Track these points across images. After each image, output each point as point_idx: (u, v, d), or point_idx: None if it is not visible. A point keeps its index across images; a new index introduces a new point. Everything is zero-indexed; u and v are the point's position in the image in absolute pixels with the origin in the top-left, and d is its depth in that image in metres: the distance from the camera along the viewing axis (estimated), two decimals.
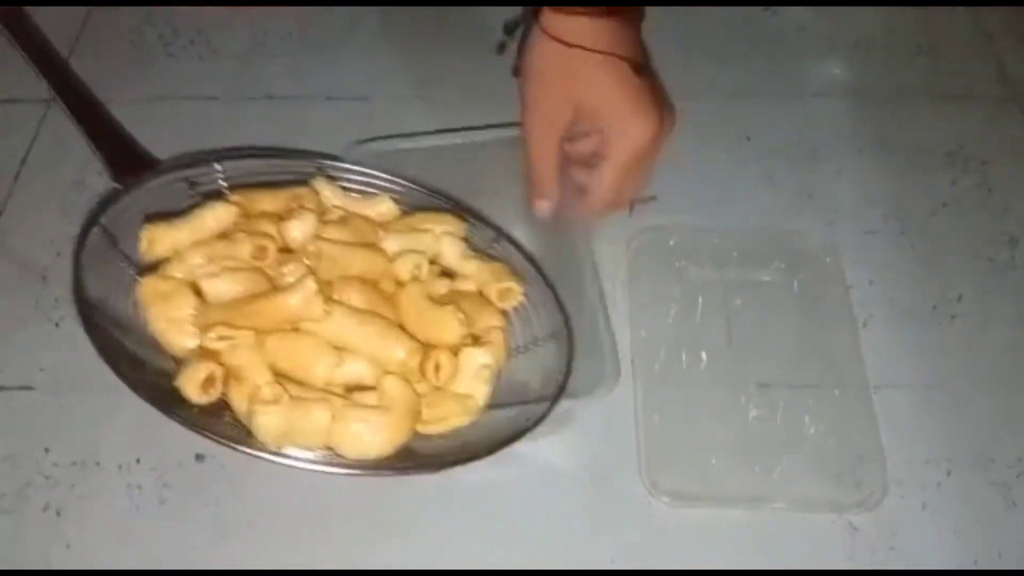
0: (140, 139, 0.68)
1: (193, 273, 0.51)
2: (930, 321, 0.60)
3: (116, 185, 0.53)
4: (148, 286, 0.52)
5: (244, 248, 0.52)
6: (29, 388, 0.56)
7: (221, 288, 0.50)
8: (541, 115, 0.54)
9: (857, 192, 0.66)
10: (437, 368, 0.50)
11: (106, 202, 0.54)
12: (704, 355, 0.58)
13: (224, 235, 0.54)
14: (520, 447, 0.49)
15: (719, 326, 0.59)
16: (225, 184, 0.56)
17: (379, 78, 0.72)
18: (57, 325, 0.59)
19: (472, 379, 0.51)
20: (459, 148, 0.58)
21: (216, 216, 0.54)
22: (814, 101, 0.71)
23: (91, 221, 0.52)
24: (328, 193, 0.57)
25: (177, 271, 0.52)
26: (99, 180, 0.66)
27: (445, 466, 0.48)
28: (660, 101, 0.54)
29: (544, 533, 0.52)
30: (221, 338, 0.48)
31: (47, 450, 0.54)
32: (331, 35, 0.75)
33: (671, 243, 0.62)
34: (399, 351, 0.50)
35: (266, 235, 0.53)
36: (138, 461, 0.54)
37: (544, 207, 0.57)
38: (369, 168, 0.58)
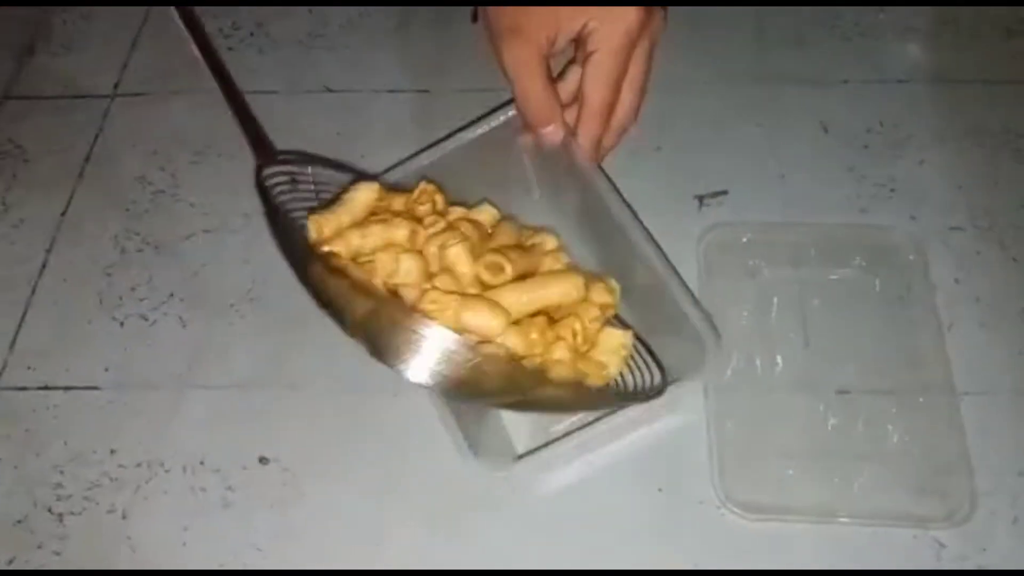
0: (203, 132, 0.68)
1: (356, 251, 0.51)
2: (1020, 323, 0.56)
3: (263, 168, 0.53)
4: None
5: (399, 231, 0.51)
6: (95, 388, 0.57)
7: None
8: (522, 40, 0.52)
9: (943, 185, 0.62)
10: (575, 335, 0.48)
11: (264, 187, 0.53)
12: (780, 359, 0.55)
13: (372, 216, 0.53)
14: (590, 454, 0.48)
15: (795, 328, 0.56)
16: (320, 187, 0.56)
17: (442, 70, 0.70)
18: (122, 324, 0.59)
19: (610, 353, 0.49)
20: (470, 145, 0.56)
21: (364, 199, 0.53)
22: (896, 87, 0.67)
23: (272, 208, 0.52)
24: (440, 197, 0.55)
25: (343, 251, 0.51)
26: (161, 176, 0.66)
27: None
28: None
29: (614, 541, 0.50)
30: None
31: (113, 451, 0.54)
32: (390, 25, 0.74)
33: (744, 240, 0.59)
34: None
35: (416, 219, 0.52)
36: (202, 463, 0.53)
37: (552, 132, 0.54)
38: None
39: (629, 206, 0.52)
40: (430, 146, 0.57)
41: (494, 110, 0.57)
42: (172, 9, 0.58)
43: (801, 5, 0.72)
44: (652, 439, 0.53)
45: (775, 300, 0.57)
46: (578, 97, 0.54)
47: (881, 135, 0.64)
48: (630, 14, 0.51)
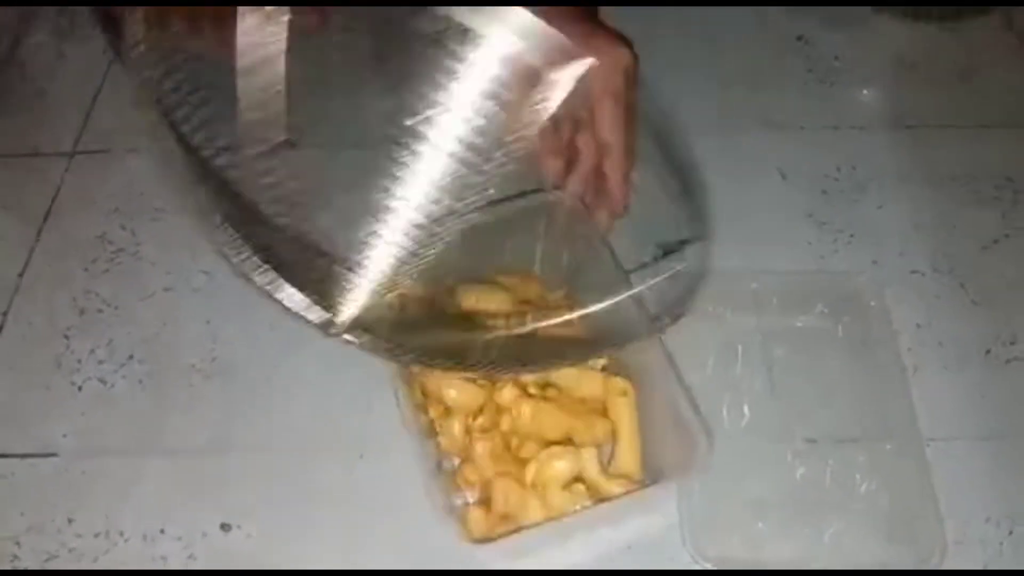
0: (164, 190, 0.67)
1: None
2: (984, 367, 0.57)
3: None
4: None
5: None
6: (53, 455, 0.55)
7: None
8: None
9: (902, 229, 0.63)
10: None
11: None
12: (746, 408, 0.55)
13: None
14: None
15: (761, 377, 0.56)
16: None
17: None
18: (80, 388, 0.58)
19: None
20: (482, 225, 0.56)
21: None
22: (853, 133, 0.68)
23: None
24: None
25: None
26: (121, 234, 0.65)
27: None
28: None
29: None
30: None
31: (71, 520, 0.53)
32: (356, 74, 0.74)
33: (706, 289, 0.59)
34: None
35: None
36: (163, 531, 0.52)
37: (552, 164, 0.55)
38: None
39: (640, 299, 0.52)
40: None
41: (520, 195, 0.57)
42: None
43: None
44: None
45: (739, 348, 0.58)
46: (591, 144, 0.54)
47: (839, 181, 0.65)
48: (625, 52, 0.51)
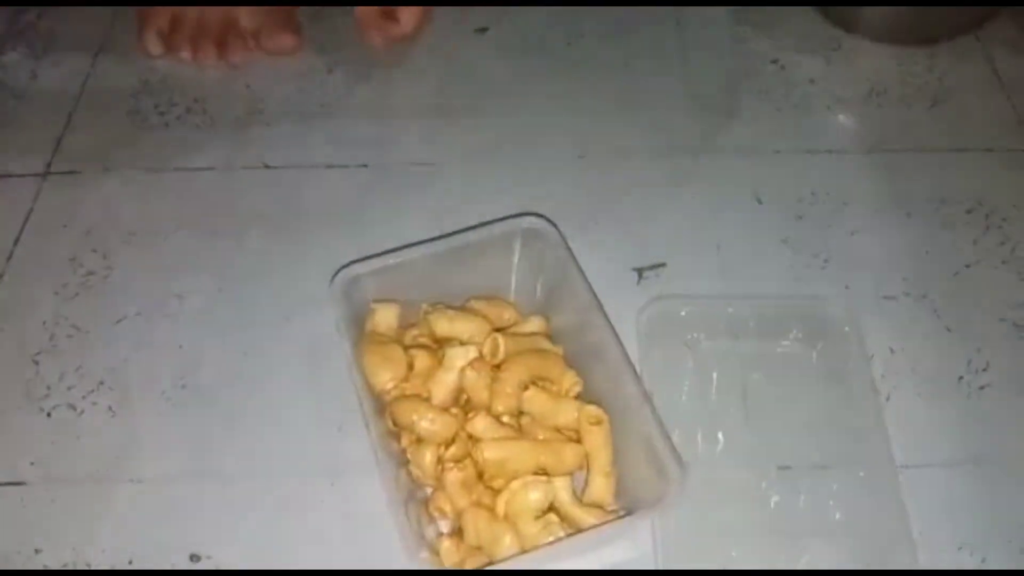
0: (137, 212, 0.67)
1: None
2: (957, 392, 0.57)
3: None
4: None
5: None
6: (20, 483, 0.54)
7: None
8: None
9: (875, 254, 0.63)
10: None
11: None
12: (721, 435, 0.55)
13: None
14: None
15: (735, 403, 0.56)
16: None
17: (381, 144, 0.70)
18: (49, 415, 0.57)
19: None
20: (457, 251, 0.56)
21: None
22: (827, 157, 0.69)
23: None
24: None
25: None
26: (93, 257, 0.65)
27: None
28: None
29: None
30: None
31: (38, 551, 0.52)
32: (330, 100, 0.74)
33: (683, 313, 0.59)
34: None
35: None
36: (131, 562, 0.51)
37: None
38: None
39: (612, 327, 0.52)
40: (419, 243, 0.56)
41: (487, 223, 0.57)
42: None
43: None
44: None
45: (714, 374, 0.57)
46: None
47: (814, 205, 0.66)
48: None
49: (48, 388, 0.58)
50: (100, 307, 0.62)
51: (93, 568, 0.51)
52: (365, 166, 0.69)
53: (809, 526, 0.52)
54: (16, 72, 0.76)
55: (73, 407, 0.57)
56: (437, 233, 0.61)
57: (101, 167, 0.70)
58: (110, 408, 0.57)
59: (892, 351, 0.58)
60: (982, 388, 0.57)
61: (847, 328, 0.58)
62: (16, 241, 0.66)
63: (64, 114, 0.73)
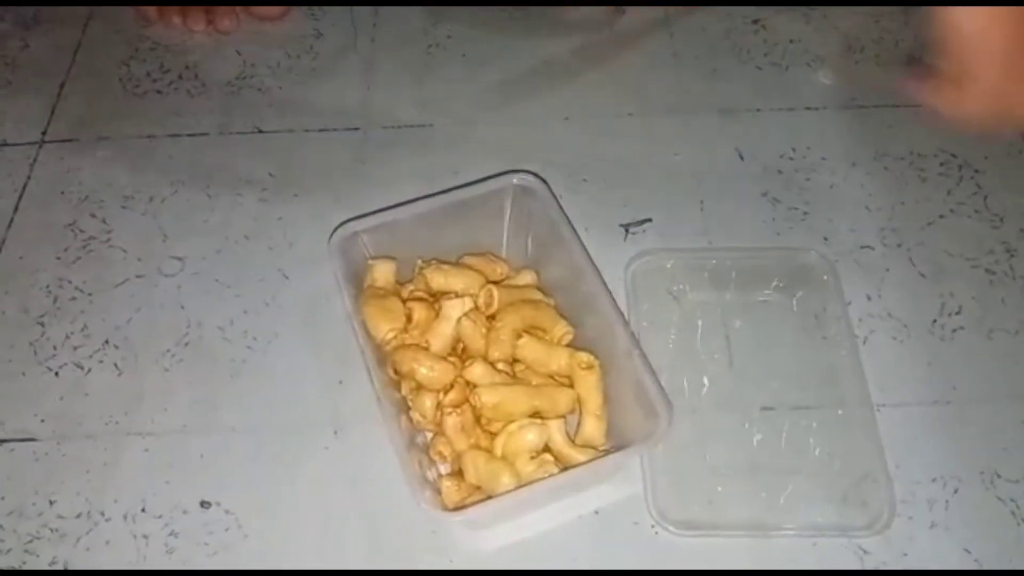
0: (133, 177, 0.68)
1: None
2: (931, 335, 0.60)
3: None
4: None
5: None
6: (32, 439, 0.56)
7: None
8: None
9: (853, 206, 0.65)
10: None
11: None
12: (706, 380, 0.58)
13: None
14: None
15: (720, 349, 0.59)
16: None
17: (371, 108, 0.72)
18: (57, 374, 0.59)
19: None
20: (450, 207, 0.58)
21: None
22: (807, 114, 0.71)
23: None
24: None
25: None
26: (92, 222, 0.66)
27: None
28: None
29: (554, 564, 0.51)
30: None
31: (52, 502, 0.54)
32: (320, 65, 0.75)
33: (668, 266, 0.62)
34: None
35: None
36: (143, 510, 0.53)
37: None
38: None
39: (602, 278, 0.55)
40: (413, 201, 0.58)
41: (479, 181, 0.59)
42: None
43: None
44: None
45: (699, 323, 0.60)
46: None
47: (793, 160, 0.68)
48: None
49: (55, 348, 0.60)
50: (102, 270, 0.63)
51: (107, 516, 0.53)
52: (357, 129, 0.71)
53: (790, 462, 0.54)
54: (7, 42, 0.77)
55: (80, 366, 0.59)
56: (430, 193, 0.63)
57: (96, 134, 0.71)
58: (116, 366, 0.59)
59: (869, 298, 0.61)
60: (955, 331, 0.60)
61: (826, 277, 0.61)
62: (16, 208, 0.67)
63: (57, 83, 0.74)
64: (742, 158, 0.68)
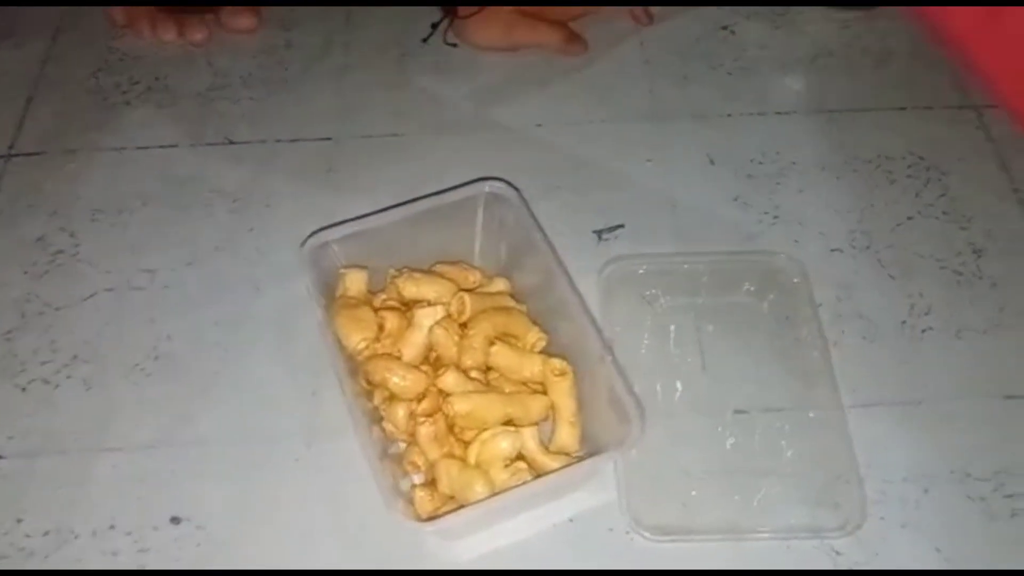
0: (102, 190, 0.68)
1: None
2: (900, 336, 0.60)
3: None
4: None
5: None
6: None
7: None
8: None
9: (822, 209, 0.66)
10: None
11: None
12: (679, 384, 0.58)
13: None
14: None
15: (693, 353, 0.59)
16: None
17: (343, 117, 0.72)
18: (24, 390, 0.58)
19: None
20: (422, 216, 0.57)
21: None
22: (776, 119, 0.71)
23: None
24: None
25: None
26: (60, 236, 0.65)
27: None
28: None
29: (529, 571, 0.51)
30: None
31: (19, 520, 0.53)
32: (291, 75, 0.75)
33: (641, 271, 0.62)
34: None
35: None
36: (112, 527, 0.53)
37: None
38: None
39: (574, 284, 0.55)
40: (385, 209, 0.58)
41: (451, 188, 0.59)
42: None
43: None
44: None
45: (672, 327, 0.60)
46: None
47: (764, 165, 0.68)
48: None
49: (22, 364, 0.59)
50: (70, 284, 0.63)
51: (76, 534, 0.53)
52: (328, 139, 0.71)
53: (763, 465, 0.55)
54: None
55: (48, 381, 0.58)
56: (403, 202, 0.62)
57: (65, 147, 0.70)
58: (85, 381, 0.58)
59: (839, 299, 0.61)
60: (924, 331, 0.60)
61: (796, 280, 0.61)
62: None
63: (25, 95, 0.73)
64: (713, 163, 0.68)
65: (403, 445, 0.54)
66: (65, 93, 0.74)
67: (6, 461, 0.55)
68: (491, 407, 0.52)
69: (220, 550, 0.52)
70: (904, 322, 0.61)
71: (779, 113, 0.72)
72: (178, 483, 0.54)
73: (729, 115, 0.72)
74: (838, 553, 0.52)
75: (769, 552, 0.52)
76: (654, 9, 0.77)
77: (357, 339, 0.53)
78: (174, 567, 0.51)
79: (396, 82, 0.74)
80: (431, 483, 0.52)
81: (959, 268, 0.63)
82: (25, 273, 0.63)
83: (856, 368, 0.58)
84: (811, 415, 0.56)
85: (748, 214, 0.65)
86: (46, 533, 0.53)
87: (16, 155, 0.70)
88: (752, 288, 0.61)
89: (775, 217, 0.65)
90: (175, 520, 0.53)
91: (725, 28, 0.78)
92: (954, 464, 0.55)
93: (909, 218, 0.65)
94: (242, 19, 0.76)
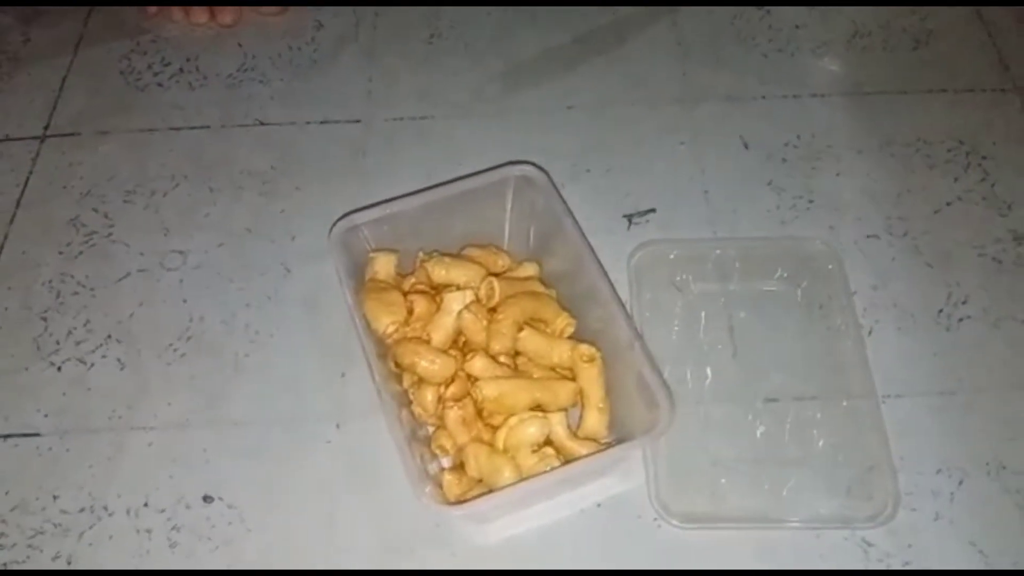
0: (135, 171, 0.68)
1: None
2: (937, 325, 0.59)
3: None
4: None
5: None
6: (35, 435, 0.56)
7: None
8: None
9: (858, 194, 0.65)
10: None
11: None
12: (709, 371, 0.57)
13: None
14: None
15: (723, 340, 0.58)
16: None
17: (373, 99, 0.71)
18: (60, 369, 0.59)
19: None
20: (451, 199, 0.57)
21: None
22: (812, 102, 0.70)
23: None
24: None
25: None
26: (94, 217, 0.66)
27: None
28: None
29: (557, 558, 0.51)
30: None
31: (56, 497, 0.54)
32: (321, 56, 0.75)
33: (672, 256, 0.61)
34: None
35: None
36: (146, 504, 0.54)
37: None
38: None
39: (604, 269, 0.54)
40: (414, 193, 0.58)
41: (480, 172, 0.58)
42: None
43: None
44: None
45: (703, 314, 0.59)
46: None
47: (798, 148, 0.67)
48: None
49: (57, 344, 0.60)
50: (104, 265, 0.64)
51: (110, 511, 0.53)
52: (358, 121, 0.70)
53: (794, 454, 0.54)
54: (9, 36, 0.77)
55: (82, 361, 0.59)
56: (432, 185, 0.62)
57: (98, 128, 0.71)
58: (118, 360, 0.59)
59: (874, 287, 0.60)
60: (961, 320, 0.59)
61: (831, 266, 0.60)
62: (18, 204, 0.67)
63: (59, 77, 0.74)
64: (747, 146, 0.67)
65: (431, 429, 0.54)
66: (98, 75, 0.74)
67: (42, 439, 0.56)
68: (519, 392, 0.52)
69: (251, 528, 0.53)
70: (941, 311, 0.59)
71: (815, 95, 0.70)
72: (210, 462, 0.55)
73: (763, 97, 0.70)
74: (869, 544, 0.51)
75: (798, 541, 0.51)
76: None
77: (386, 322, 0.53)
78: (206, 545, 0.52)
79: (425, 64, 0.74)
80: (459, 467, 0.52)
81: (998, 256, 0.62)
82: (60, 254, 0.64)
83: (891, 357, 0.57)
84: (844, 404, 0.55)
85: (782, 199, 0.64)
86: (81, 510, 0.54)
87: (51, 136, 0.70)
88: (785, 274, 0.60)
89: (810, 202, 0.64)
90: (207, 499, 0.54)
91: (760, 8, 0.76)
92: (989, 456, 0.54)
93: (948, 204, 0.64)
94: (223, 16, 0.76)
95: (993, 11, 0.75)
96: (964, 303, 0.60)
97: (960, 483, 0.53)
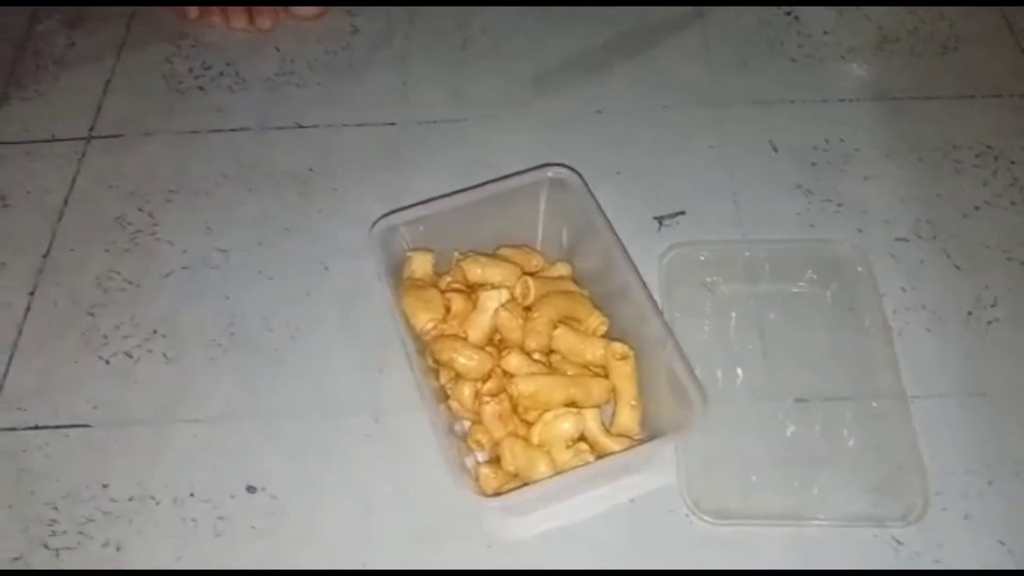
0: (178, 171, 0.70)
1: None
2: (965, 327, 0.60)
3: None
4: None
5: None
6: (85, 425, 0.58)
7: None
8: None
9: (887, 198, 0.66)
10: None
11: None
12: (740, 371, 0.58)
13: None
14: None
15: (754, 341, 0.59)
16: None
17: (407, 102, 0.73)
18: (108, 362, 0.61)
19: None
20: (487, 200, 0.58)
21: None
22: (840, 106, 0.71)
23: None
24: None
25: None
26: (139, 215, 0.68)
27: None
28: None
29: (588, 552, 0.53)
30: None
31: (105, 486, 0.56)
32: (356, 60, 0.76)
33: (702, 258, 0.62)
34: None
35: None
36: (192, 494, 0.55)
37: None
38: None
39: (636, 269, 0.55)
40: (450, 194, 0.59)
41: (514, 174, 0.60)
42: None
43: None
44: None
45: (733, 315, 0.60)
46: None
47: (827, 152, 0.68)
48: None
49: (105, 338, 0.62)
50: (149, 262, 0.65)
51: (157, 500, 0.55)
52: (393, 124, 0.72)
53: (823, 453, 0.55)
54: (53, 40, 0.79)
55: (129, 355, 0.61)
56: (465, 186, 0.64)
57: (141, 130, 0.73)
58: (164, 354, 0.61)
59: (903, 290, 0.61)
60: (990, 323, 0.60)
61: (860, 268, 0.61)
62: (65, 202, 0.69)
63: (103, 80, 0.76)
64: (776, 150, 0.68)
65: (468, 423, 0.55)
66: (140, 78, 0.76)
67: (92, 430, 0.58)
68: (554, 389, 0.53)
69: (293, 519, 0.54)
70: (970, 313, 0.60)
71: (843, 100, 0.71)
72: (253, 454, 0.57)
73: (792, 101, 0.71)
74: (899, 543, 0.52)
75: (828, 539, 0.52)
76: None
77: (425, 319, 0.55)
78: (249, 535, 0.54)
79: (457, 68, 0.75)
80: (495, 461, 0.53)
81: None
82: (106, 251, 0.66)
83: (920, 359, 0.58)
84: (874, 404, 0.56)
85: (811, 201, 0.65)
86: (130, 499, 0.55)
87: (96, 137, 0.72)
88: (815, 276, 0.61)
89: (839, 205, 0.65)
90: (251, 489, 0.55)
91: (788, 13, 0.77)
92: (1019, 457, 0.55)
93: (976, 208, 0.65)
94: (309, 8, 0.78)
95: (1022, 17, 0.75)
96: (993, 306, 0.60)
97: (989, 483, 0.54)
